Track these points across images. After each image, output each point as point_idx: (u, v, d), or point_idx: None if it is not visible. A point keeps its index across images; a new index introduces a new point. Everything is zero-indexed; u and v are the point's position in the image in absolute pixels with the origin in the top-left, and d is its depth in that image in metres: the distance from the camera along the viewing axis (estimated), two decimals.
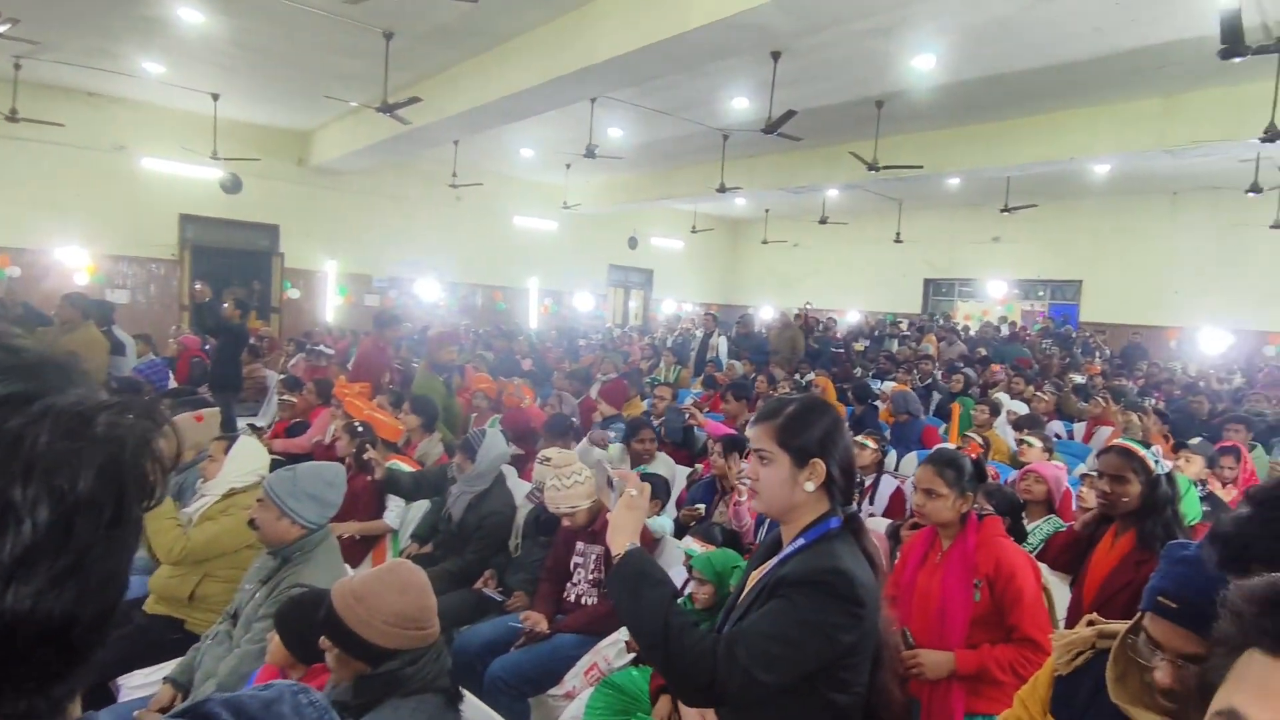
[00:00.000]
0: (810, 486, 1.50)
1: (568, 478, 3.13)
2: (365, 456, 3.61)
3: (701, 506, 3.81)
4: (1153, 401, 7.47)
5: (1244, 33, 5.07)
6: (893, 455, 5.39)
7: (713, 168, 11.78)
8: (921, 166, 10.07)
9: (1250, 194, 10.11)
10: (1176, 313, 13.77)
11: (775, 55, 7.64)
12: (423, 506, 4.12)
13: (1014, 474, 4.17)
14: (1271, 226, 11.04)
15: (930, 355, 9.67)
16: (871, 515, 4.08)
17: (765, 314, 15.82)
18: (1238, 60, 5.33)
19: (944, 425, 6.45)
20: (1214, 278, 13.28)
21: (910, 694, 2.45)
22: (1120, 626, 1.45)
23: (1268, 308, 12.79)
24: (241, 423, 5.96)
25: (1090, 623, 1.57)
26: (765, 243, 18.33)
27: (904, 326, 13.46)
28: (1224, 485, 4.32)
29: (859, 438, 4.50)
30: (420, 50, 8.29)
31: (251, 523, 2.49)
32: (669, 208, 17.72)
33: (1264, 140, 6.66)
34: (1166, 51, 7.19)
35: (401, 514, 4.14)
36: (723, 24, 5.88)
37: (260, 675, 2.17)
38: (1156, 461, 2.30)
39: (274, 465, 3.18)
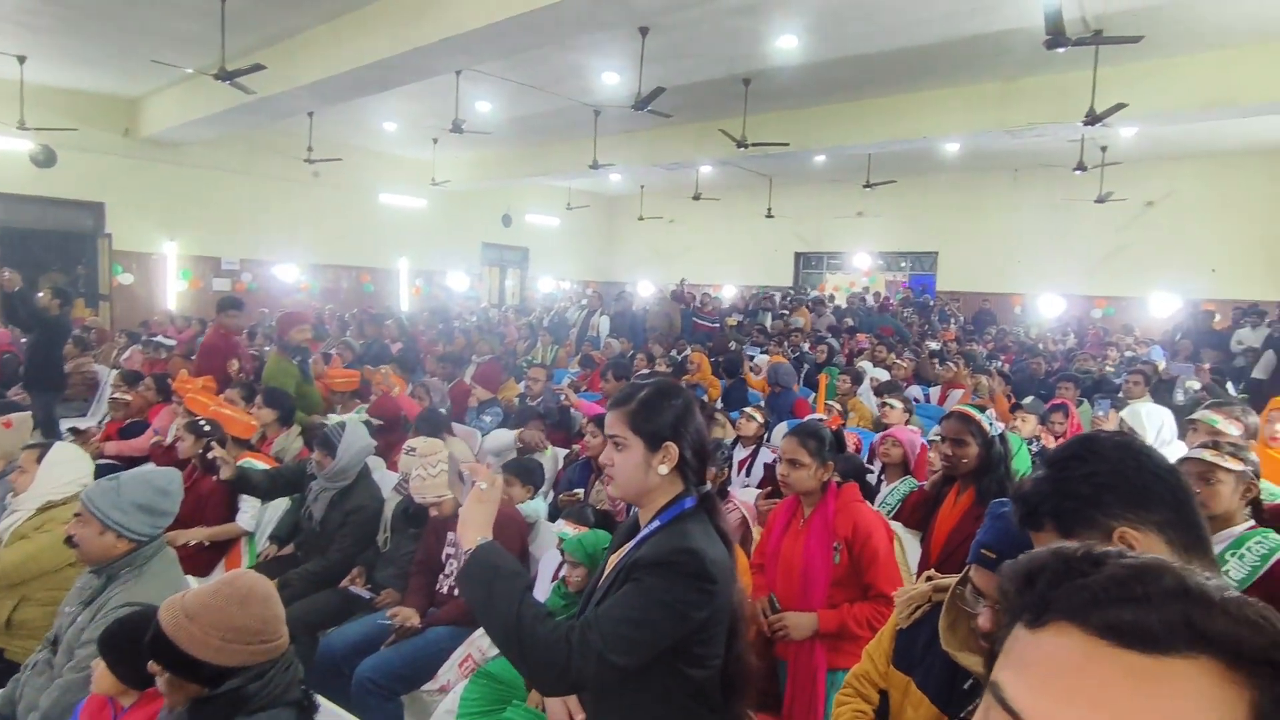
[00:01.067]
0: (664, 469, 1.52)
1: (433, 466, 3.03)
2: (210, 456, 3.33)
3: (579, 491, 3.78)
4: (999, 364, 8.11)
5: (1065, 26, 5.52)
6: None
7: (586, 144, 11.68)
8: (788, 144, 10.40)
9: (1077, 171, 11.20)
10: (1020, 281, 15.04)
11: (644, 31, 7.62)
12: (281, 506, 3.87)
13: (876, 438, 4.41)
14: (1095, 201, 12.26)
15: (801, 328, 10.08)
16: (746, 486, 4.19)
17: (644, 290, 15.94)
18: (1061, 50, 5.82)
19: (813, 395, 6.74)
20: (1049, 248, 14.57)
21: (777, 655, 2.56)
22: (953, 580, 1.55)
23: (1094, 275, 14.20)
24: (66, 425, 5.37)
25: (929, 578, 1.66)
26: (641, 219, 18.44)
27: (776, 300, 13.96)
28: (1055, 439, 4.76)
29: (747, 409, 4.63)
30: (263, 13, 7.67)
31: (69, 540, 2.23)
32: (544, 184, 17.45)
33: (1086, 123, 7.34)
34: (1004, 39, 7.72)
35: (257, 515, 3.87)
36: None
37: (86, 706, 1.97)
38: (990, 424, 2.48)
39: (106, 470, 2.87)
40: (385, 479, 3.94)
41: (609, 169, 12.29)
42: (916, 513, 3.15)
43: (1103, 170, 12.11)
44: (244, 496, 3.77)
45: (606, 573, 1.58)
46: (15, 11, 7.77)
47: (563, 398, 5.10)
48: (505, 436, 4.51)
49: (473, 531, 1.46)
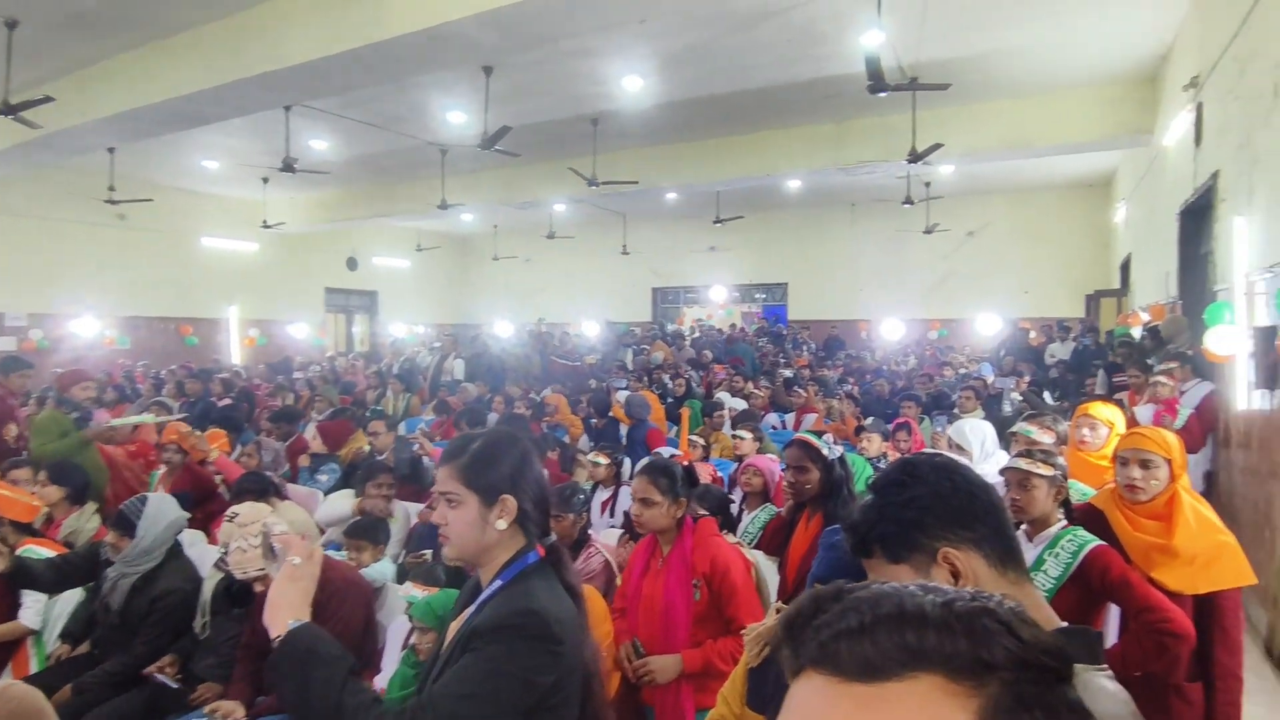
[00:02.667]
0: (502, 524, 1.43)
1: (255, 536, 2.69)
2: None
3: (427, 553, 3.51)
4: (848, 388, 8.56)
5: (885, 72, 6.01)
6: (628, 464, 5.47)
7: (434, 183, 11.37)
8: (638, 182, 10.63)
9: (906, 205, 12.24)
10: (864, 308, 16.10)
11: (488, 70, 7.55)
12: (73, 597, 3.34)
13: (735, 468, 4.45)
14: (924, 232, 13.45)
15: (661, 363, 10.20)
16: (612, 527, 4.09)
17: (502, 330, 15.63)
18: (883, 94, 6.32)
19: (675, 428, 6.75)
20: (888, 276, 15.76)
21: (644, 701, 2.46)
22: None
23: (928, 299, 15.47)
24: None
25: (779, 610, 1.63)
26: (496, 259, 18.20)
27: (638, 333, 14.12)
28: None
29: (590, 455, 4.52)
30: (55, 42, 6.95)
31: None
32: (391, 225, 16.84)
33: (909, 161, 8.01)
34: (833, 84, 8.29)
35: (43, 611, 3.32)
36: (423, 35, 5.65)
37: None
38: (829, 448, 2.54)
39: None
40: (206, 555, 3.49)
41: (459, 209, 12.03)
42: (775, 540, 3.17)
43: (928, 204, 13.29)
44: (26, 591, 3.22)
45: (447, 642, 1.45)
46: None
47: (416, 447, 4.79)
48: (342, 506, 4.04)
49: (284, 614, 1.30)
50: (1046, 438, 2.87)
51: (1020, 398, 6.74)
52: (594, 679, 1.45)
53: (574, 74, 8.01)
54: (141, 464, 4.94)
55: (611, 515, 4.29)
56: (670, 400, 7.89)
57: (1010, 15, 6.63)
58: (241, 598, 2.99)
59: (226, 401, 7.56)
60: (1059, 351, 9.41)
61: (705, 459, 5.10)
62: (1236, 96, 4.77)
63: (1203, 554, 2.12)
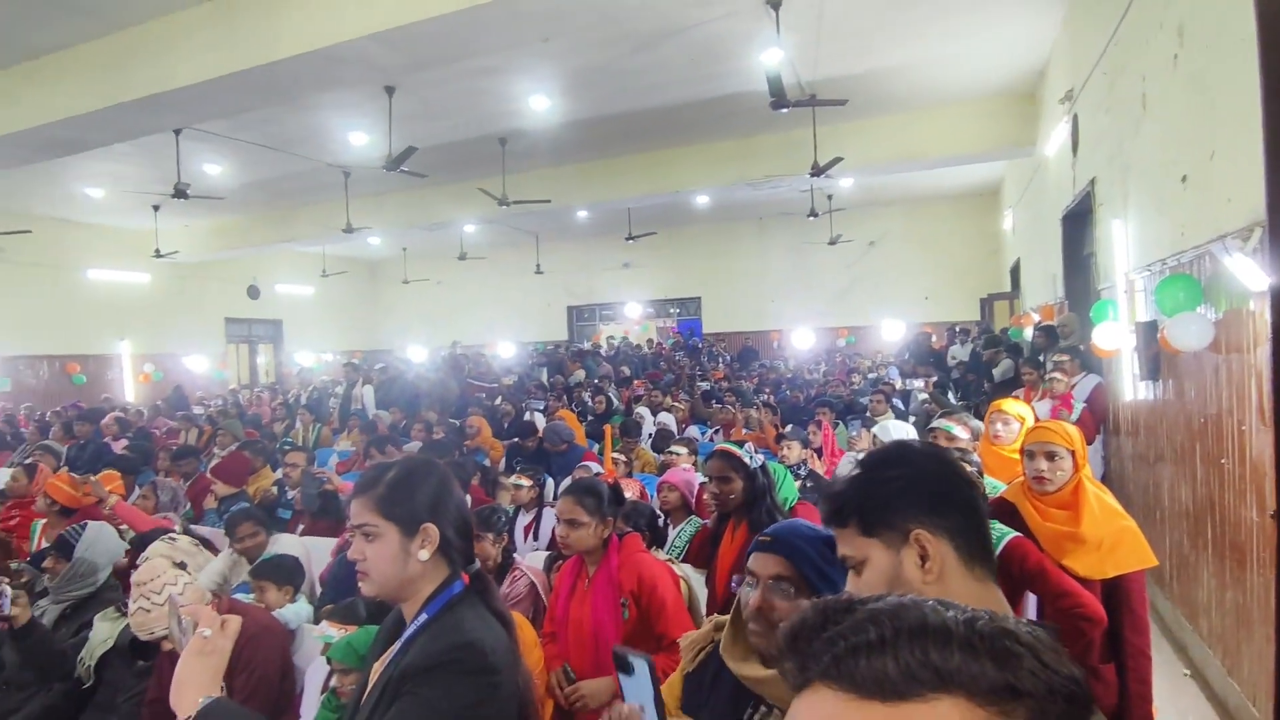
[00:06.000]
0: (424, 555, 1.37)
1: (157, 593, 2.51)
2: None
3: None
4: (764, 397, 8.73)
5: (785, 89, 6.22)
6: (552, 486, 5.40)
7: (337, 206, 11.04)
8: (549, 200, 10.61)
9: (810, 217, 12.67)
10: (776, 318, 16.58)
11: (389, 90, 7.40)
12: None
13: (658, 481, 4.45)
14: (829, 243, 13.94)
15: (581, 382, 10.15)
16: (536, 550, 4.03)
17: (416, 355, 15.23)
18: (785, 110, 6.54)
19: (597, 446, 6.69)
20: (796, 287, 16.28)
21: None
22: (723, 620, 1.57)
23: (835, 308, 16.05)
24: None
25: (714, 623, 1.65)
26: (407, 282, 17.78)
27: (560, 352, 14.00)
28: (817, 456, 5.16)
29: (511, 479, 4.44)
30: None
31: None
32: (294, 250, 16.23)
33: (812, 174, 8.30)
34: (737, 101, 8.52)
35: None
36: (319, 55, 5.51)
37: None
38: (750, 457, 2.58)
39: None
40: None
41: (366, 232, 11.70)
42: (702, 552, 3.18)
43: (831, 216, 13.79)
44: None
45: (371, 685, 1.37)
46: None
47: (325, 481, 4.59)
48: (219, 565, 3.49)
49: (192, 694, 1.22)
50: (964, 433, 3.00)
51: (926, 398, 7.07)
52: (529, 708, 1.41)
53: (480, 93, 7.95)
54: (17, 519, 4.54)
55: (535, 539, 4.22)
56: (591, 418, 7.86)
57: (898, 34, 6.99)
58: (145, 650, 2.79)
59: (122, 442, 7.06)
60: (959, 353, 9.92)
61: (629, 475, 5.10)
62: (1107, 109, 5.11)
63: (1108, 539, 2.21)
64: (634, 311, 18.38)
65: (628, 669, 1.21)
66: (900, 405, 7.03)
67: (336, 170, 10.29)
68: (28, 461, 5.35)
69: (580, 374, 10.82)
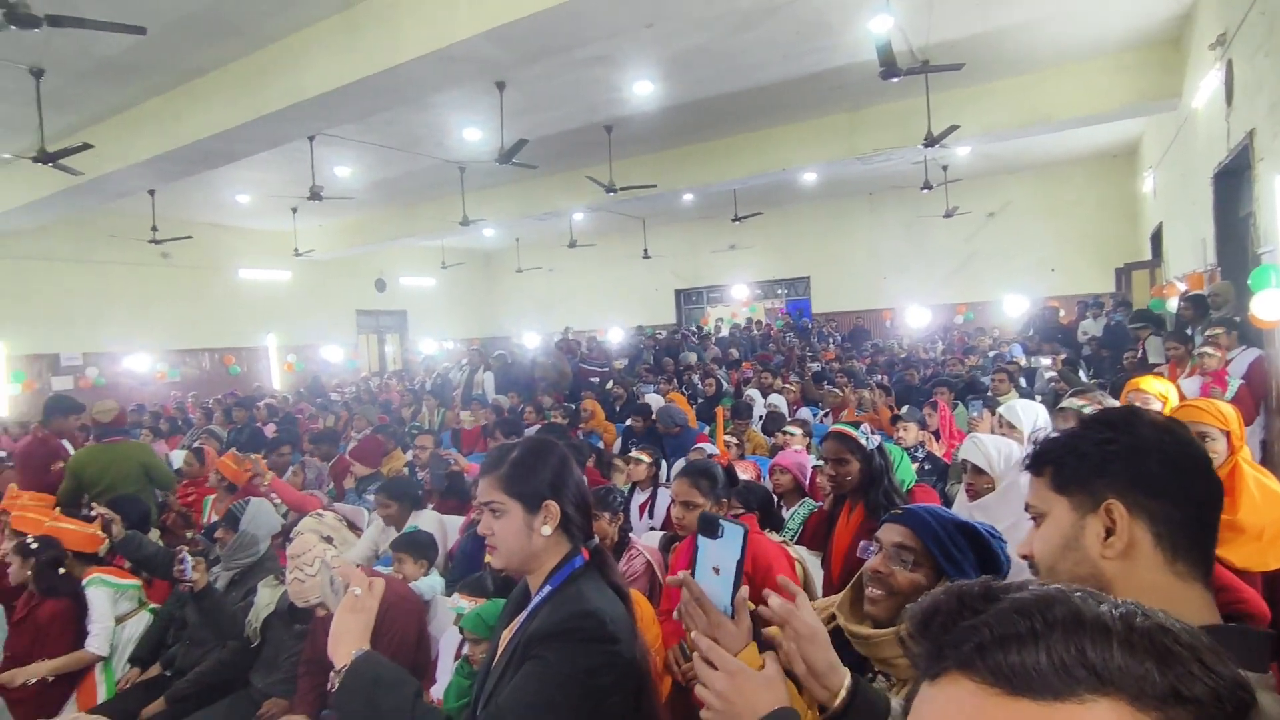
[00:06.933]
0: (547, 530, 1.44)
1: (310, 566, 2.76)
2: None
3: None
4: (878, 378, 8.47)
5: (896, 57, 5.97)
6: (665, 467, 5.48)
7: (454, 201, 11.54)
8: (655, 185, 10.66)
9: (924, 190, 12.10)
10: (888, 296, 15.96)
11: (500, 85, 7.65)
12: (142, 621, 3.45)
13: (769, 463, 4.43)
14: (944, 216, 13.25)
15: (691, 364, 10.20)
16: (652, 529, 4.11)
17: (530, 341, 15.77)
18: (896, 80, 6.28)
19: (709, 428, 6.71)
20: (910, 263, 15.61)
21: (696, 702, 2.46)
22: (839, 597, 1.59)
23: (951, 284, 15.27)
24: None
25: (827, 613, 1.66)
26: (520, 271, 18.36)
27: (660, 337, 14.13)
28: (935, 438, 4.98)
29: (633, 453, 4.55)
30: (84, 89, 7.16)
31: None
32: (416, 245, 17.08)
33: (925, 145, 7.94)
34: (844, 73, 8.25)
35: (110, 636, 3.42)
36: (436, 56, 5.75)
37: None
38: (866, 439, 2.53)
39: None
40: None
41: (481, 224, 12.17)
42: (818, 534, 3.16)
43: (946, 187, 13.13)
44: (93, 618, 3.34)
45: (500, 651, 1.47)
46: None
47: (451, 463, 4.87)
48: (364, 546, 3.95)
49: (346, 645, 1.33)
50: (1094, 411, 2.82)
51: (1054, 376, 6.63)
52: (647, 680, 1.46)
53: (585, 83, 8.08)
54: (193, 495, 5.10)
55: (650, 517, 4.30)
56: (701, 400, 7.89)
57: None
58: (301, 614, 3.08)
59: (271, 426, 7.76)
60: (1091, 328, 9.23)
61: (741, 457, 5.10)
62: (1267, 52, 4.61)
63: (1270, 528, 2.02)
64: (741, 293, 18.21)
65: (713, 531, 1.11)
66: (1025, 384, 6.62)
67: (453, 166, 10.75)
68: (195, 445, 5.98)
69: (692, 356, 10.87)
